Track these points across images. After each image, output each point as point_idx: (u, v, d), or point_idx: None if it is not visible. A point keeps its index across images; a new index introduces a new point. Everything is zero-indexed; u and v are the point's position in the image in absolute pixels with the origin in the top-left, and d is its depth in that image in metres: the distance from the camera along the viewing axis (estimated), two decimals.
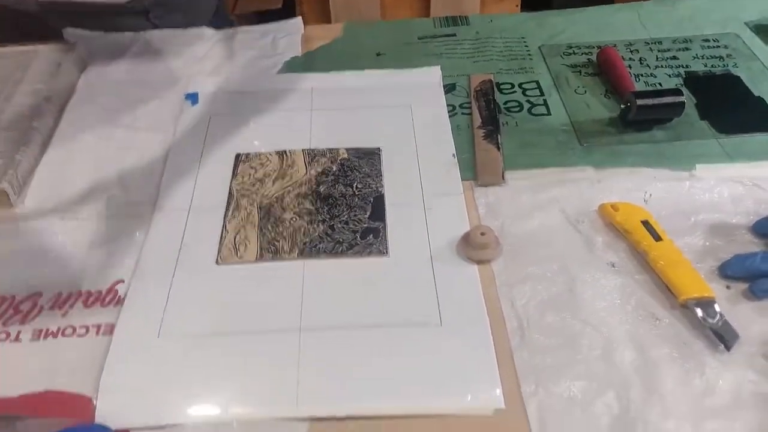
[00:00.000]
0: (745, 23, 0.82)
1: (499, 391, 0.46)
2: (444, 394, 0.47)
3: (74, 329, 0.52)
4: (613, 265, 0.54)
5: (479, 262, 0.55)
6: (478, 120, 0.70)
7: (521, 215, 0.59)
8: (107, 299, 0.54)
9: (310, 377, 0.48)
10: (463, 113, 0.72)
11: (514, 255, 0.56)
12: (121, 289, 0.55)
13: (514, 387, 0.46)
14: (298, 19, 0.87)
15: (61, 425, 0.45)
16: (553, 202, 0.60)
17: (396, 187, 0.63)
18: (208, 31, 0.85)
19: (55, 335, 0.52)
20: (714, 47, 0.79)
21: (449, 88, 0.75)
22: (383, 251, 0.57)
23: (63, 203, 0.63)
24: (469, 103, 0.73)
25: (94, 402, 0.47)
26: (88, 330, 0.52)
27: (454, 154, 0.66)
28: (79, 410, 0.47)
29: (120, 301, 0.54)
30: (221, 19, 0.98)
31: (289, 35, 0.85)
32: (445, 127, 0.69)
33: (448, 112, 0.72)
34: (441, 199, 0.61)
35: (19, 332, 0.52)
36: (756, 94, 0.71)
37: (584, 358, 0.48)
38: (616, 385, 0.46)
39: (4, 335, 0.52)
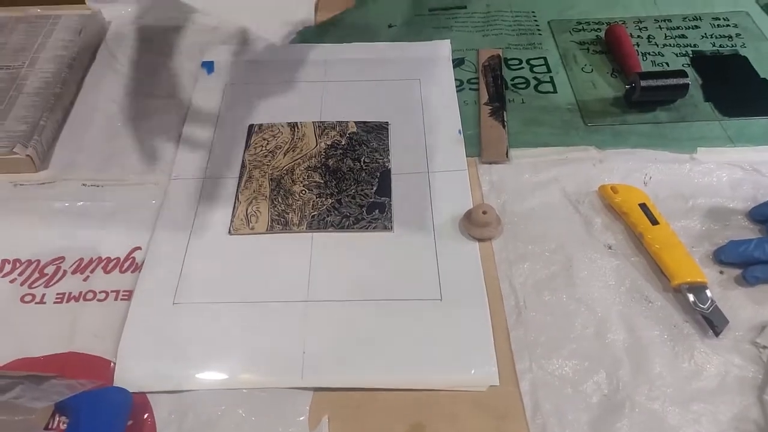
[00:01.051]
0: (756, 2, 0.82)
1: (494, 368, 0.49)
2: (441, 368, 0.49)
3: (95, 294, 0.55)
4: (610, 247, 0.56)
5: (480, 239, 0.57)
6: (485, 96, 0.71)
7: (523, 194, 0.61)
8: (125, 265, 0.57)
9: (315, 348, 0.51)
10: (470, 89, 0.73)
11: (515, 233, 0.58)
12: (138, 256, 0.58)
13: (509, 364, 0.49)
14: None
15: (83, 387, 0.48)
16: (554, 181, 0.62)
17: (402, 162, 0.65)
18: None
19: (77, 299, 0.55)
20: (723, 26, 0.79)
21: (458, 62, 0.76)
22: (388, 226, 0.59)
23: (84, 169, 0.65)
24: (477, 78, 0.74)
25: (113, 364, 0.50)
26: (107, 295, 0.55)
27: (460, 131, 0.67)
28: (100, 373, 0.50)
29: (138, 268, 0.57)
30: None
31: (303, 4, 0.85)
32: (453, 103, 0.71)
33: (456, 87, 0.73)
34: (445, 176, 0.63)
35: (44, 295, 0.55)
36: (762, 76, 0.72)
37: (577, 337, 0.50)
38: (606, 365, 0.48)
39: (30, 297, 0.55)
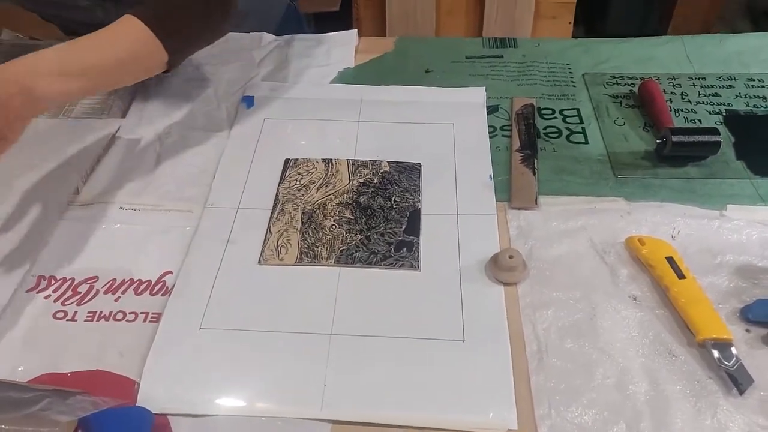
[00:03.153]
0: None
1: (513, 413, 0.49)
2: (460, 409, 0.49)
3: (124, 314, 0.57)
4: (635, 298, 0.56)
5: (506, 283, 0.58)
6: (517, 143, 0.72)
7: (550, 240, 0.61)
8: (156, 288, 0.59)
9: (337, 381, 0.51)
10: (503, 135, 0.74)
11: (540, 279, 0.58)
12: (169, 280, 0.59)
13: (528, 408, 0.49)
14: (354, 32, 0.90)
15: (106, 404, 0.49)
16: (582, 230, 0.62)
17: (432, 203, 0.66)
18: (267, 37, 0.89)
19: (107, 318, 0.56)
20: (758, 87, 0.79)
21: (492, 109, 0.78)
22: (415, 265, 0.60)
23: (123, 193, 0.68)
24: (510, 125, 0.75)
25: (137, 385, 0.51)
26: (137, 316, 0.56)
27: (491, 176, 0.68)
28: (124, 392, 0.51)
29: (168, 292, 0.58)
30: (293, 23, 1.01)
31: (344, 46, 0.88)
32: (485, 148, 0.72)
33: (489, 132, 0.74)
34: (474, 219, 0.64)
35: (75, 312, 0.57)
36: None
37: (598, 387, 0.50)
38: (627, 416, 0.48)
39: (62, 314, 0.57)
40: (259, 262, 0.61)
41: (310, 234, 0.63)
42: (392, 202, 0.66)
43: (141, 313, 0.57)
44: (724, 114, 0.76)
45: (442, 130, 0.75)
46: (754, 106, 0.77)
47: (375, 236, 0.63)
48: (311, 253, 0.61)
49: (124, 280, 0.59)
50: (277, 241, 0.62)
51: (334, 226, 0.64)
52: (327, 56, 0.87)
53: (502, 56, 0.87)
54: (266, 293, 0.58)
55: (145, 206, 0.66)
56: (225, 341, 0.54)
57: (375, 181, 0.68)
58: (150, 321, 0.56)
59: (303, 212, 0.65)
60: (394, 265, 0.60)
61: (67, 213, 0.65)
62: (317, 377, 0.52)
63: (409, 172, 0.69)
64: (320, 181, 0.68)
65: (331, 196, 0.67)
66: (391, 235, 0.63)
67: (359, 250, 0.61)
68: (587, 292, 0.57)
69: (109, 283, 0.59)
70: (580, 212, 0.64)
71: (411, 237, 0.62)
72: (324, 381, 0.51)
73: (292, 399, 0.51)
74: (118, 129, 0.75)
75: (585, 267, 0.59)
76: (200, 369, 0.53)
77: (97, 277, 0.59)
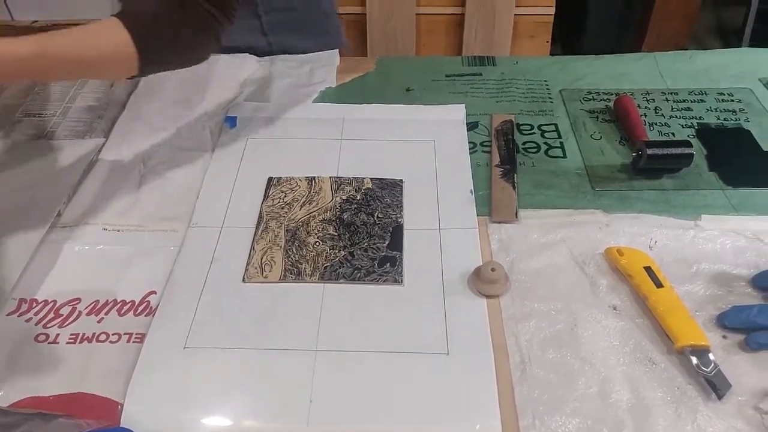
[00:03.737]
0: (760, 79, 0.85)
1: (497, 423, 0.49)
2: (446, 422, 0.50)
3: (108, 336, 0.56)
4: (614, 308, 0.57)
5: (488, 296, 0.58)
6: (496, 158, 0.73)
7: (531, 253, 0.62)
8: (140, 309, 0.59)
9: (323, 396, 0.51)
10: (483, 151, 0.75)
11: (522, 291, 0.59)
12: (153, 300, 0.59)
13: (513, 419, 0.49)
14: (335, 52, 0.92)
15: (89, 427, 0.48)
16: (561, 242, 0.63)
17: (415, 219, 0.67)
18: (250, 58, 0.90)
19: (90, 340, 0.56)
20: (728, 101, 0.82)
21: (472, 126, 0.79)
22: (398, 280, 0.60)
23: (106, 214, 0.68)
24: (490, 141, 0.77)
25: (121, 406, 0.51)
26: (120, 337, 0.56)
27: (471, 191, 0.69)
28: (108, 413, 0.51)
29: (152, 312, 0.58)
30: (333, 38, 1.01)
31: (326, 66, 0.90)
32: (465, 163, 0.73)
33: (470, 148, 0.75)
34: (456, 233, 0.65)
35: (57, 335, 0.56)
36: (765, 149, 0.74)
37: (581, 396, 0.51)
38: (609, 425, 0.49)
39: (43, 337, 0.56)
40: (243, 280, 0.61)
41: (294, 251, 0.63)
42: (375, 218, 0.67)
43: (125, 334, 0.56)
44: (696, 127, 0.78)
45: (424, 147, 0.76)
46: (724, 120, 0.79)
47: (359, 252, 0.63)
48: (295, 270, 0.61)
49: (107, 301, 0.59)
50: (261, 259, 0.62)
51: (317, 243, 0.64)
52: (309, 76, 0.88)
53: (481, 74, 0.89)
54: (250, 311, 0.58)
55: (129, 227, 0.66)
56: (210, 360, 0.54)
57: (358, 198, 0.69)
58: (134, 342, 0.56)
59: (287, 230, 0.65)
60: (378, 281, 0.60)
61: (49, 235, 0.65)
62: (303, 393, 0.52)
63: (392, 188, 0.70)
64: (303, 199, 0.69)
65: (314, 213, 0.67)
66: (374, 251, 0.63)
67: (343, 266, 0.62)
68: (568, 302, 0.58)
69: (92, 305, 0.59)
70: (559, 225, 0.65)
71: (394, 252, 0.63)
72: (310, 397, 0.51)
73: (278, 415, 0.51)
74: (101, 150, 0.75)
75: (565, 278, 0.60)
76: (185, 388, 0.52)
77: (79, 299, 0.59)
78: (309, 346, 0.55)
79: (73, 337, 0.56)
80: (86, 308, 0.58)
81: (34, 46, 0.54)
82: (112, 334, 0.56)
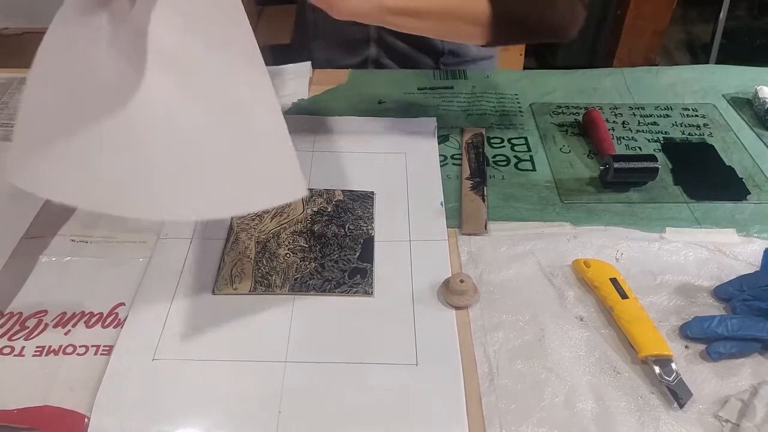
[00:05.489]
0: (723, 95, 0.88)
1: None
2: (415, 431, 0.50)
3: (74, 348, 0.56)
4: (581, 319, 0.58)
5: (457, 307, 0.59)
6: (467, 171, 0.74)
7: (500, 265, 0.63)
8: (108, 321, 0.58)
9: (292, 407, 0.51)
10: (453, 164, 0.76)
11: (491, 302, 0.60)
12: (121, 312, 0.59)
13: (480, 429, 0.50)
14: (308, 64, 0.92)
15: None
16: (530, 254, 0.64)
17: (386, 231, 0.67)
18: None
19: (56, 353, 0.55)
20: (692, 116, 0.84)
21: (443, 139, 0.80)
22: (369, 291, 0.61)
23: (73, 225, 0.67)
24: (461, 154, 0.77)
25: (87, 419, 0.50)
26: (87, 349, 0.56)
27: (442, 203, 0.70)
28: (74, 427, 0.50)
29: (120, 324, 0.57)
30: None
31: (298, 78, 0.90)
32: (436, 176, 0.74)
33: (440, 161, 0.76)
34: (427, 245, 0.65)
35: (23, 347, 0.56)
36: (727, 163, 0.76)
37: (547, 406, 0.51)
38: None
39: (8, 349, 0.55)
40: (213, 291, 0.61)
41: (264, 263, 0.63)
42: (346, 230, 0.67)
43: (92, 346, 0.56)
44: (662, 142, 0.80)
45: (395, 159, 0.76)
46: (689, 134, 0.81)
47: (329, 264, 0.63)
48: (265, 281, 0.61)
49: (74, 313, 0.58)
50: (231, 271, 0.62)
51: (288, 255, 0.64)
52: (282, 88, 0.88)
53: (452, 87, 0.90)
54: (220, 323, 0.58)
55: (97, 238, 0.66)
56: (179, 372, 0.54)
57: (329, 210, 0.69)
58: (101, 354, 0.55)
59: (257, 241, 0.66)
60: (348, 292, 0.61)
61: (16, 246, 0.64)
62: (272, 404, 0.52)
63: (363, 200, 0.71)
64: (274, 211, 0.69)
65: (285, 224, 0.67)
66: (345, 263, 0.64)
67: (313, 278, 0.62)
68: (536, 313, 0.58)
69: (59, 317, 0.58)
70: (528, 237, 0.66)
71: (365, 264, 0.63)
72: (279, 408, 0.51)
73: (247, 427, 0.50)
74: None
75: (533, 290, 0.61)
76: (153, 401, 0.52)
77: (46, 311, 0.58)
78: (279, 357, 0.55)
79: (39, 349, 0.55)
80: (53, 320, 0.58)
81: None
82: (80, 347, 0.56)
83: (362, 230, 0.67)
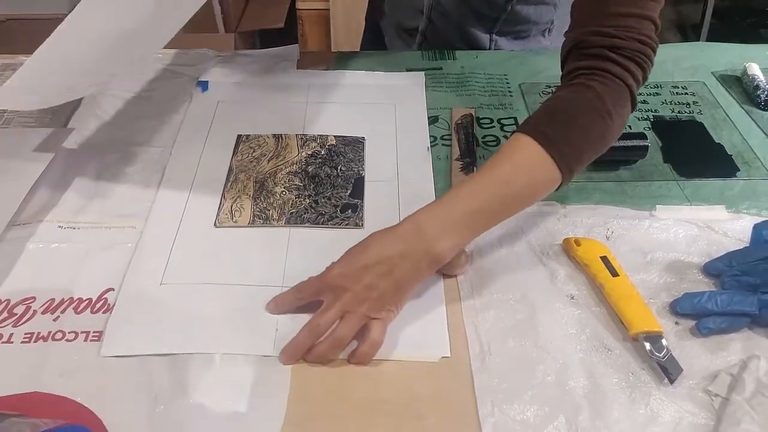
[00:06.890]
0: (712, 73, 0.88)
1: (446, 345, 0.54)
2: (401, 347, 0.54)
3: (64, 334, 0.55)
4: (572, 297, 0.58)
5: (445, 275, 0.60)
6: (456, 152, 0.74)
7: (491, 244, 0.63)
8: (96, 306, 0.58)
9: (287, 324, 0.55)
10: (443, 144, 0.76)
11: (481, 281, 0.60)
12: (110, 297, 0.58)
13: (472, 408, 0.50)
14: (295, 47, 0.91)
15: (45, 426, 0.48)
16: (521, 233, 0.64)
17: (375, 171, 0.71)
18: (209, 53, 0.90)
19: (45, 339, 0.55)
20: (682, 94, 0.84)
21: (432, 120, 0.80)
22: (359, 224, 0.64)
23: (61, 211, 0.66)
24: (450, 135, 0.77)
25: (79, 401, 0.50)
26: (77, 335, 0.55)
27: (428, 147, 0.74)
28: (64, 412, 0.50)
29: (109, 309, 0.57)
30: None
31: (285, 61, 0.89)
32: (423, 124, 0.78)
33: (430, 142, 0.76)
34: (414, 183, 0.70)
35: (11, 334, 0.55)
36: (716, 140, 0.76)
37: (539, 384, 0.51)
38: (566, 411, 0.50)
39: None
40: (215, 224, 0.64)
41: (262, 199, 0.67)
42: (338, 171, 0.71)
43: (81, 332, 0.55)
44: (652, 120, 0.80)
45: (385, 110, 0.81)
46: (678, 112, 0.81)
47: (322, 200, 0.67)
48: (263, 215, 0.65)
49: (63, 299, 0.58)
50: (231, 206, 0.66)
51: (284, 192, 0.68)
52: (269, 70, 0.87)
53: (441, 68, 0.89)
54: (222, 252, 0.62)
55: (85, 224, 0.65)
56: (184, 294, 0.58)
57: (322, 153, 0.73)
58: (91, 340, 0.55)
59: (255, 181, 0.69)
60: (340, 225, 0.64)
61: (3, 233, 0.63)
62: (270, 322, 0.56)
63: (354, 144, 0.74)
64: (271, 154, 0.73)
65: (281, 166, 0.71)
66: (337, 199, 0.67)
67: (308, 212, 0.65)
68: (526, 292, 0.59)
69: (48, 303, 0.57)
70: (518, 216, 0.65)
71: (356, 200, 0.67)
72: (276, 326, 0.56)
73: (248, 341, 0.55)
74: (58, 145, 0.73)
75: (524, 269, 0.61)
76: (161, 318, 0.56)
77: (34, 298, 0.58)
78: (276, 282, 0.59)
79: (28, 336, 0.55)
80: (41, 307, 0.57)
81: (470, 221, 0.55)
82: (69, 333, 0.55)
83: (353, 171, 0.70)
